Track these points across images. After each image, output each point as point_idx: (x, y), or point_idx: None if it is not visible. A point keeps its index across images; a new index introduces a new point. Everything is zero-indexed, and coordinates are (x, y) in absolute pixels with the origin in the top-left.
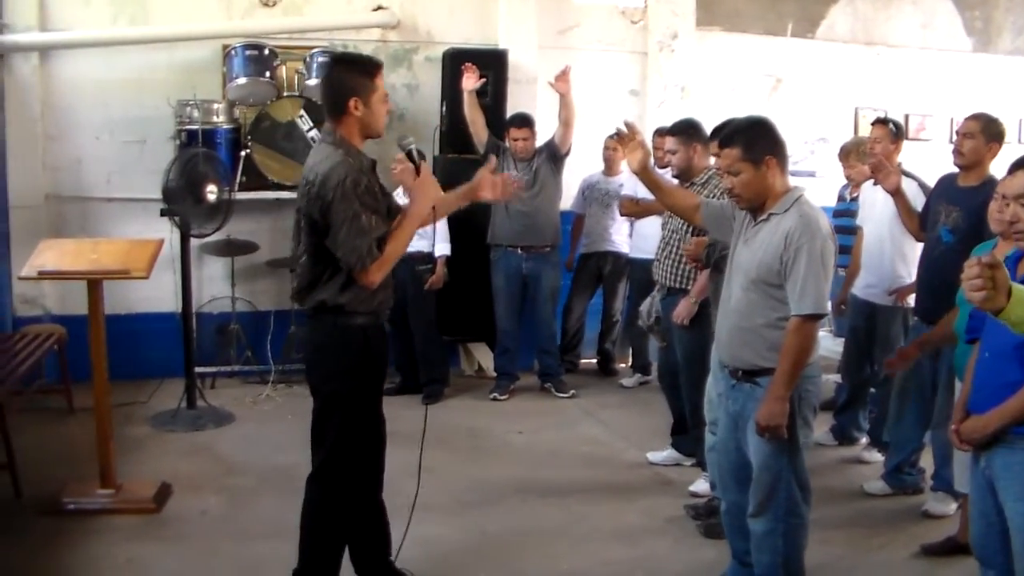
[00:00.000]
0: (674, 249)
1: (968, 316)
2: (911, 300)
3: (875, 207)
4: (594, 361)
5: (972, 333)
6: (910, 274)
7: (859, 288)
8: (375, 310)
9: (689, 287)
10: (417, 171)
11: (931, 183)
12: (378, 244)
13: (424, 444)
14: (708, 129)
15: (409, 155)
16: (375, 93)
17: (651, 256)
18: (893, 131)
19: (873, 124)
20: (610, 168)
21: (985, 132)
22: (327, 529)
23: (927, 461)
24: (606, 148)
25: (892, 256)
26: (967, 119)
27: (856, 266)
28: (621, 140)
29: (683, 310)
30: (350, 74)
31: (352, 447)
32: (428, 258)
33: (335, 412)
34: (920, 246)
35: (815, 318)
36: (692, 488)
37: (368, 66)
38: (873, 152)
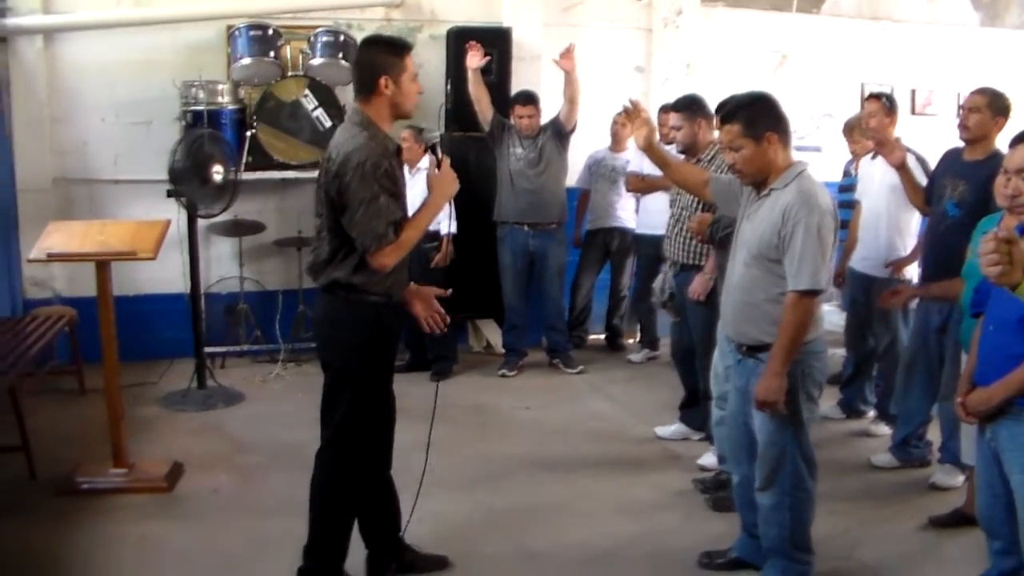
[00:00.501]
0: (685, 226)
1: (973, 290)
2: (908, 272)
3: (872, 181)
4: (602, 337)
5: (977, 307)
6: (906, 247)
7: (856, 261)
8: (388, 291)
9: (702, 263)
10: (439, 164)
11: (937, 157)
12: (394, 229)
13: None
14: (712, 105)
15: (432, 149)
16: (405, 72)
17: (658, 232)
18: (887, 105)
19: (867, 99)
20: (617, 144)
21: (991, 106)
22: (336, 504)
23: (934, 434)
24: (614, 123)
25: (889, 230)
26: (973, 93)
27: (853, 240)
28: (628, 116)
29: (699, 286)
30: (380, 53)
31: (361, 422)
32: (434, 236)
33: (346, 387)
34: (916, 220)
35: (812, 294)
36: (700, 462)
37: (398, 46)
38: (868, 127)
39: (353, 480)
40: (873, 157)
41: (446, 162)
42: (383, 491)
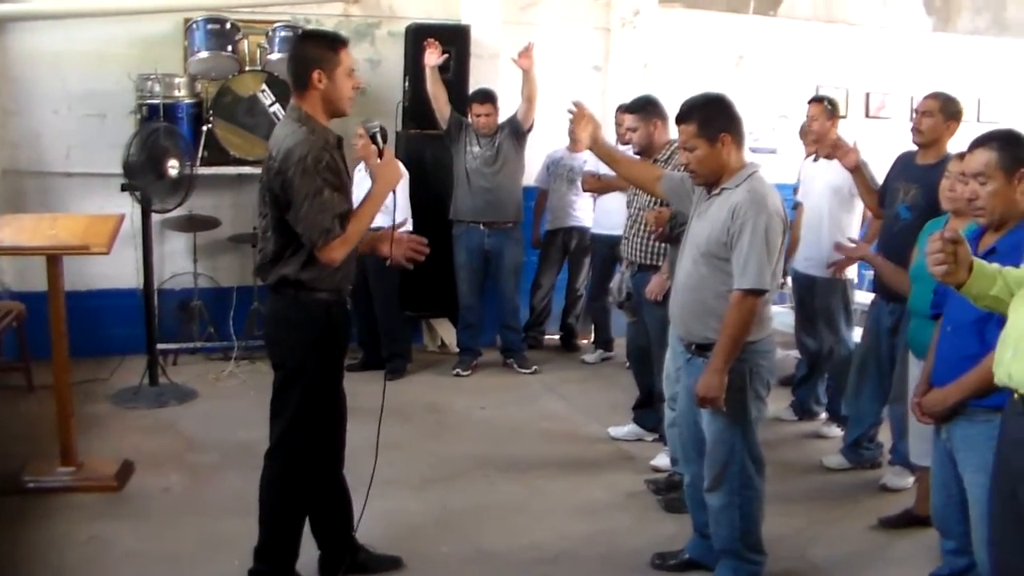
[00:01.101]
0: (643, 226)
1: (932, 292)
2: (849, 272)
3: (814, 182)
4: (557, 337)
5: (936, 308)
6: None
7: (799, 262)
8: (337, 287)
9: (659, 263)
10: (381, 153)
11: (891, 160)
12: (340, 222)
13: (386, 420)
14: (668, 105)
15: (373, 138)
16: (339, 67)
17: (614, 232)
18: (829, 108)
19: (809, 102)
20: (575, 144)
21: (944, 110)
22: (286, 505)
23: (885, 435)
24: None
25: (831, 231)
26: (926, 97)
27: (795, 240)
28: (574, 118)
29: (655, 286)
30: (313, 47)
31: (311, 422)
32: None
33: (295, 386)
34: (858, 221)
35: (756, 293)
36: (653, 463)
37: (332, 40)
38: (811, 129)
39: (303, 481)
40: (815, 159)
41: (388, 151)
42: (335, 491)
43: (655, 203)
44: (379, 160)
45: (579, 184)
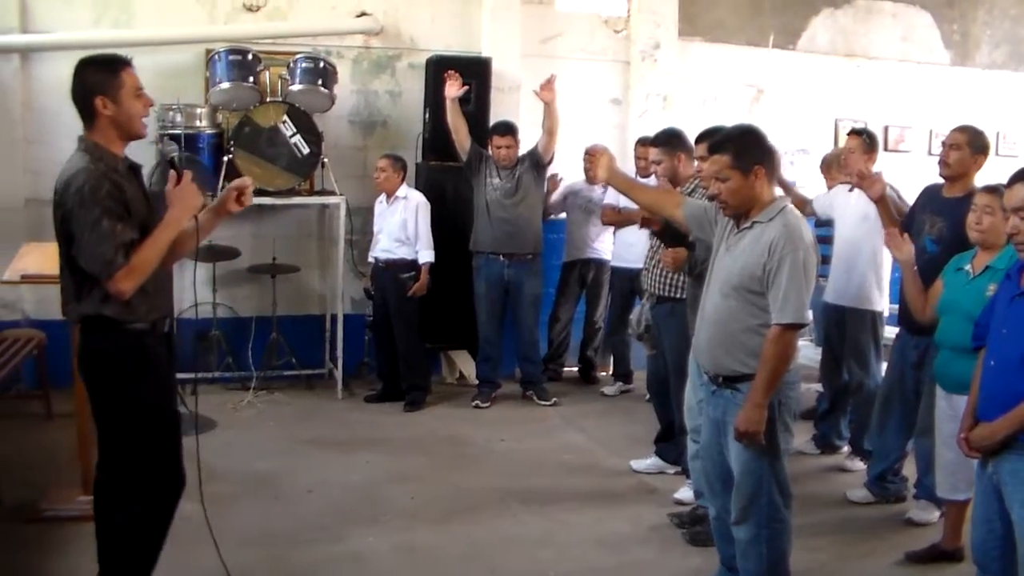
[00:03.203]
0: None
1: (974, 324)
2: (878, 304)
3: (846, 213)
4: (576, 369)
5: (977, 340)
6: (880, 280)
7: (828, 294)
8: (147, 318)
9: (679, 296)
10: (178, 179)
11: (911, 194)
12: (125, 252)
13: (406, 451)
14: (691, 138)
15: (171, 163)
16: (123, 88)
17: (633, 265)
18: (867, 142)
19: (848, 135)
20: (592, 177)
21: (972, 144)
22: (133, 552)
23: (909, 469)
24: (586, 156)
25: (864, 260)
26: (954, 130)
27: None
28: (592, 160)
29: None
30: (91, 73)
31: (143, 462)
32: (411, 265)
33: (117, 426)
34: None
35: (796, 327)
36: (676, 496)
37: (112, 62)
38: (847, 162)
39: (144, 528)
40: (850, 189)
41: (186, 176)
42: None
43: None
44: (177, 186)
45: (597, 215)
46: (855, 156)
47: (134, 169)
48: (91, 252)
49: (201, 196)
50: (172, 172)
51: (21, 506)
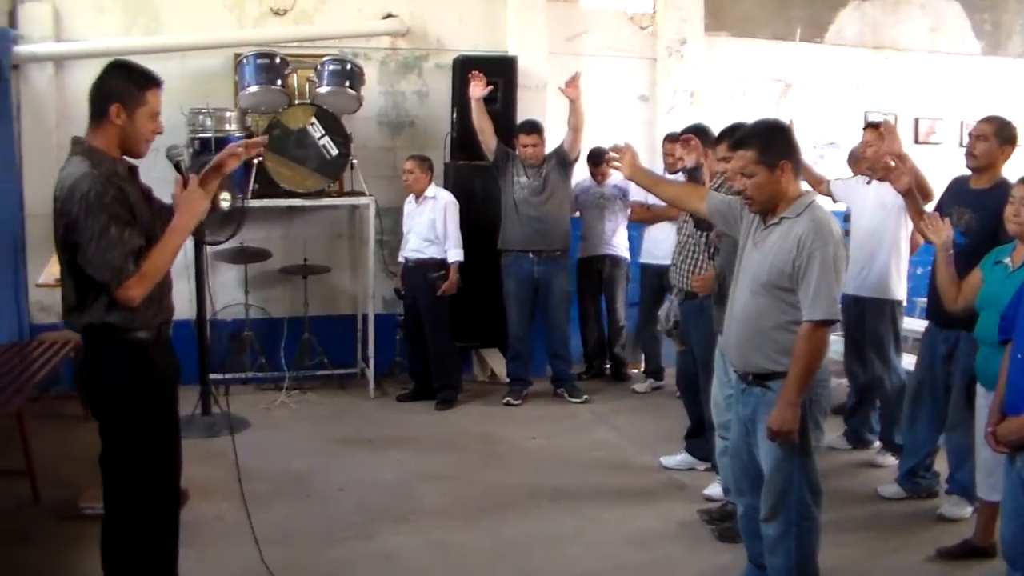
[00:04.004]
0: (690, 253)
1: (1000, 317)
2: (898, 294)
3: (865, 203)
4: (607, 367)
5: (1004, 334)
6: (900, 269)
7: (848, 284)
8: (151, 325)
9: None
10: (185, 183)
11: (942, 186)
12: (135, 258)
13: (437, 450)
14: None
15: (177, 167)
16: (142, 107)
17: (662, 261)
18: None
19: (864, 128)
20: (600, 177)
21: (999, 134)
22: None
23: (941, 464)
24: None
25: (885, 249)
26: (980, 121)
27: None
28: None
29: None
30: (119, 80)
31: (148, 475)
32: (441, 265)
33: (123, 438)
34: (908, 236)
35: (827, 324)
36: (706, 492)
37: (143, 77)
38: (866, 156)
39: (148, 542)
40: (868, 182)
41: (193, 180)
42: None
43: (703, 233)
44: (183, 189)
45: (609, 211)
46: (872, 149)
47: (133, 171)
48: (100, 260)
49: (207, 201)
50: (179, 176)
51: (59, 504)
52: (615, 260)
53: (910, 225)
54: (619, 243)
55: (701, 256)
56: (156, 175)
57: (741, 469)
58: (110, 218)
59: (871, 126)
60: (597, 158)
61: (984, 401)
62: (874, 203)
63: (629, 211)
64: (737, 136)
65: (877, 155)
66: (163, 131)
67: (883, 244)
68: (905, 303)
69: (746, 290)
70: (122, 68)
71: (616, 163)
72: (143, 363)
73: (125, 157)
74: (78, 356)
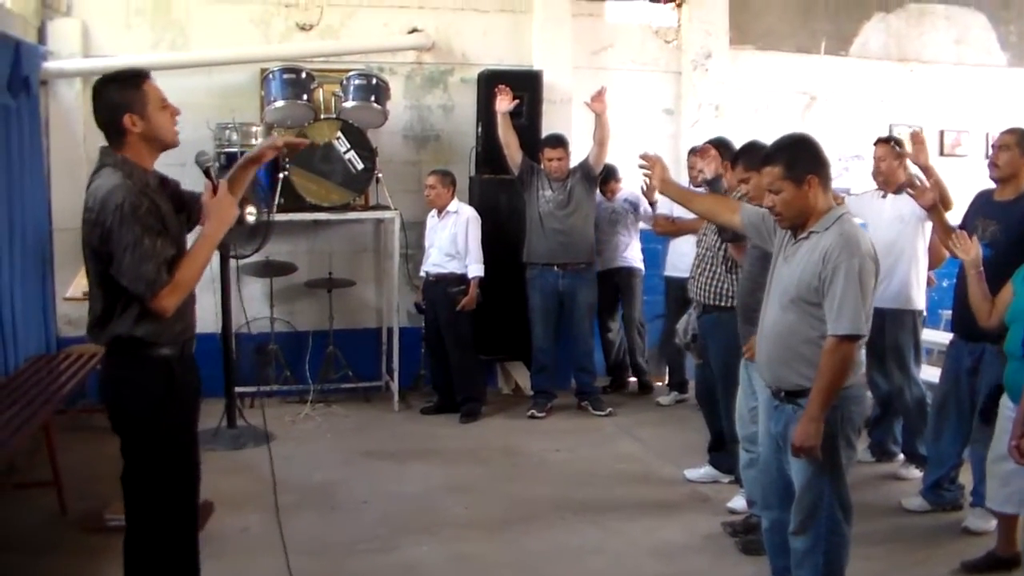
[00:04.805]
0: (708, 266)
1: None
2: (918, 303)
3: (881, 216)
4: (633, 379)
5: None
6: (920, 279)
7: None
8: (177, 340)
9: (726, 304)
10: (214, 190)
11: (967, 198)
12: (168, 269)
13: (461, 462)
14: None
15: (207, 172)
16: (148, 103)
17: (687, 274)
18: (896, 149)
19: (876, 143)
20: (610, 194)
21: (1021, 145)
22: None
23: (965, 477)
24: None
25: (905, 260)
26: (1003, 132)
27: None
28: (648, 167)
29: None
30: (114, 91)
31: (169, 492)
32: (461, 279)
33: (145, 455)
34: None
35: (852, 339)
36: (729, 505)
37: (133, 77)
38: (879, 171)
39: (171, 559)
40: (883, 196)
41: (223, 187)
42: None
43: (722, 245)
44: (213, 196)
45: (621, 224)
46: (885, 164)
47: (164, 182)
48: (135, 272)
49: (236, 208)
50: (208, 183)
51: (85, 516)
52: (630, 271)
53: (928, 236)
54: (633, 255)
55: (719, 269)
56: (187, 183)
57: (770, 483)
58: (144, 229)
59: (882, 141)
60: (606, 175)
61: (1008, 412)
62: (891, 216)
63: (652, 223)
64: (765, 153)
65: (891, 169)
66: (180, 112)
67: (903, 256)
68: (925, 313)
69: (776, 305)
70: (108, 81)
71: (646, 172)
72: (168, 381)
73: (155, 169)
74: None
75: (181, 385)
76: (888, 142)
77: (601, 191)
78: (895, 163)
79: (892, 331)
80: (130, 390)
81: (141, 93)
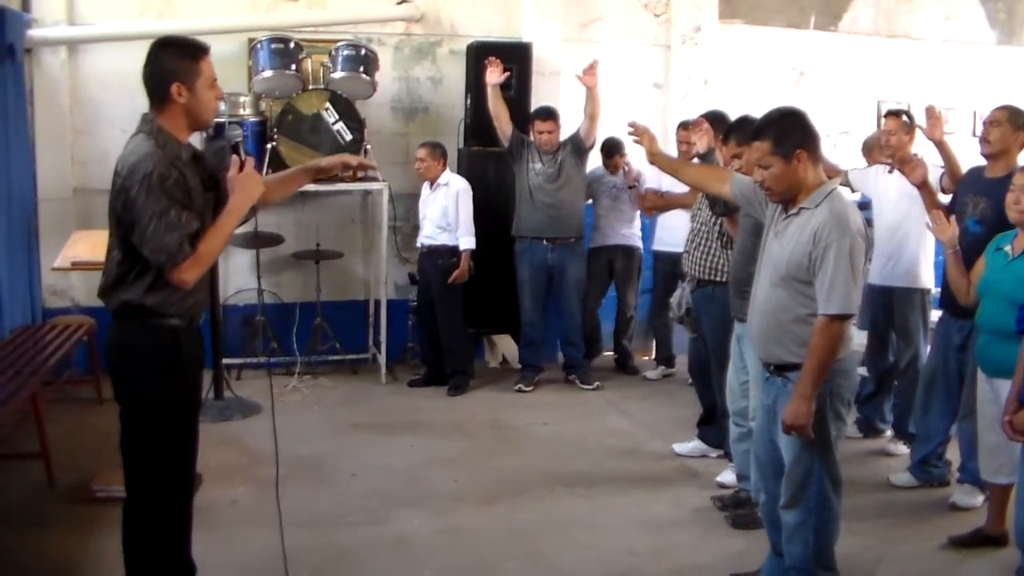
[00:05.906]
0: (703, 240)
1: (1019, 308)
2: (927, 282)
3: (888, 193)
4: (611, 355)
5: (1021, 324)
6: (928, 257)
7: (874, 276)
8: (186, 313)
9: (719, 279)
10: (241, 166)
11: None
12: (191, 242)
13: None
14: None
15: (235, 148)
16: (199, 78)
17: (675, 249)
18: (906, 123)
19: (886, 116)
20: (614, 168)
21: (1012, 121)
22: (155, 557)
23: (953, 453)
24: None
25: (913, 238)
26: (995, 109)
27: None
28: (637, 134)
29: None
30: (172, 58)
31: (168, 463)
32: (453, 252)
33: (145, 424)
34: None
35: (843, 318)
36: (719, 479)
37: (192, 49)
38: (888, 144)
39: (166, 530)
40: (890, 171)
41: (249, 163)
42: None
43: (717, 220)
44: (239, 171)
45: (623, 201)
46: (895, 137)
47: (196, 157)
48: (158, 242)
49: (262, 185)
50: (235, 158)
51: (73, 488)
52: (628, 251)
53: None
54: (632, 233)
55: (714, 244)
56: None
57: (765, 457)
58: (170, 201)
59: (893, 114)
60: (610, 149)
61: (987, 386)
62: (897, 192)
63: (640, 200)
64: (753, 128)
65: (900, 143)
66: (224, 96)
67: (911, 233)
68: (934, 291)
69: (767, 281)
70: (171, 45)
71: (636, 140)
72: (173, 351)
73: (190, 143)
74: (97, 337)
75: (186, 357)
76: (899, 115)
77: (604, 166)
78: (905, 138)
79: (901, 310)
80: (134, 358)
81: (196, 67)
